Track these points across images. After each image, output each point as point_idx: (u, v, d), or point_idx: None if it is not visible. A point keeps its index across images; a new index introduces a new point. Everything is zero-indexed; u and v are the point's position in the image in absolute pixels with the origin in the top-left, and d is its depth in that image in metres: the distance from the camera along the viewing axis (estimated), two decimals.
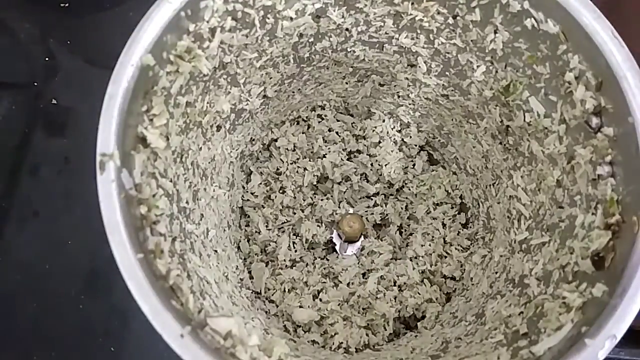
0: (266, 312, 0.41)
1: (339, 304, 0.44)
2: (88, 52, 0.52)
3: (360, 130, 0.51)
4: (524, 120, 0.37)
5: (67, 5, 0.53)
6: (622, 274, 0.26)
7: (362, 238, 0.48)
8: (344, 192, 0.50)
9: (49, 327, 0.43)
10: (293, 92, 0.45)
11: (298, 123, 0.50)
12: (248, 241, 0.47)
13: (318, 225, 0.47)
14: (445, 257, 0.47)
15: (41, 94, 0.50)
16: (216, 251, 0.40)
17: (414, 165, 0.51)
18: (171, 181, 0.31)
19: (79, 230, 0.44)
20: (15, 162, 0.48)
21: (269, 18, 0.36)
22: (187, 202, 0.34)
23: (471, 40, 0.38)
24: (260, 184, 0.48)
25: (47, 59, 0.52)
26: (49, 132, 0.49)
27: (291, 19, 0.37)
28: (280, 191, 0.49)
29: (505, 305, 0.36)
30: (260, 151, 0.49)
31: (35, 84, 0.51)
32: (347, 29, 0.40)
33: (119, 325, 0.43)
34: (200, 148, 0.37)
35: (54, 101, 0.50)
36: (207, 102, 0.36)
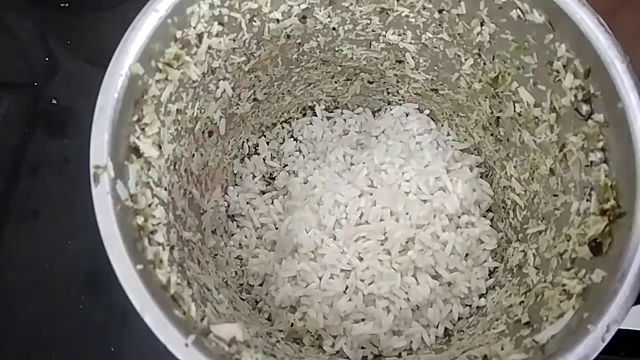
0: (267, 316, 0.41)
1: None
2: (88, 52, 0.51)
3: None
4: (514, 110, 0.37)
5: (67, 5, 0.53)
6: (620, 258, 0.26)
7: None
8: None
9: (49, 327, 0.43)
10: (283, 94, 0.45)
11: (290, 125, 0.50)
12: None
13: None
14: None
15: (41, 94, 0.50)
16: (214, 257, 0.40)
17: None
18: (166, 189, 0.31)
19: (79, 230, 0.44)
20: (15, 162, 0.48)
21: (255, 21, 0.36)
22: (182, 210, 0.34)
23: (458, 34, 0.38)
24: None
25: (47, 59, 0.52)
26: (49, 132, 0.49)
27: (277, 20, 0.37)
28: None
29: (505, 295, 0.36)
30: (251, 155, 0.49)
31: (35, 84, 0.51)
32: (334, 28, 0.40)
33: (119, 325, 0.43)
34: (193, 155, 0.36)
35: (54, 101, 0.50)
36: (198, 109, 0.36)
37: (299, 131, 0.49)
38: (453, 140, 0.47)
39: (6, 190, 0.47)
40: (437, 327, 0.39)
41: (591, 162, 0.30)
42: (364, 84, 0.47)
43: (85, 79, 0.47)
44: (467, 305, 0.40)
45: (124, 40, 0.28)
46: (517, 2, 0.33)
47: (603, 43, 0.30)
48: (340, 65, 0.44)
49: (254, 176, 0.47)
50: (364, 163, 0.44)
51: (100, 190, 0.25)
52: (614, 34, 0.29)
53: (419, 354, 0.38)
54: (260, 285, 0.42)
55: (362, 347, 0.39)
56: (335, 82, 0.46)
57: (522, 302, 0.33)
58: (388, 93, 0.48)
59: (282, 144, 0.49)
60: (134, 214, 0.27)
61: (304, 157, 0.47)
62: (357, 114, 0.49)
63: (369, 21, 0.40)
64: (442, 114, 0.47)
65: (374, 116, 0.49)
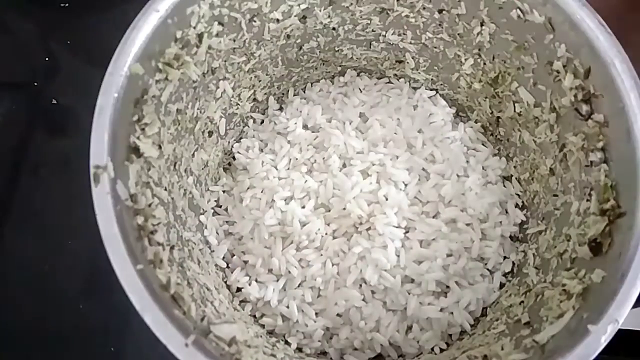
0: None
1: None
2: (88, 52, 0.52)
3: None
4: (514, 110, 0.37)
5: (67, 5, 0.53)
6: (620, 258, 0.26)
7: None
8: None
9: (49, 327, 0.43)
10: (283, 94, 0.45)
11: None
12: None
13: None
14: None
15: (41, 94, 0.50)
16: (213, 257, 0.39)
17: None
18: (166, 189, 0.31)
19: (79, 230, 0.43)
20: (15, 162, 0.48)
21: (255, 21, 0.36)
22: (182, 210, 0.34)
23: (458, 34, 0.38)
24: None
25: (47, 59, 0.52)
26: (49, 132, 0.49)
27: (278, 20, 0.37)
28: None
29: (506, 295, 0.36)
30: None
31: (35, 84, 0.51)
32: (334, 28, 0.40)
33: (119, 325, 0.43)
34: (193, 155, 0.36)
35: (54, 101, 0.50)
36: (198, 109, 0.36)
37: None
38: None
39: (6, 190, 0.47)
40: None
41: (591, 162, 0.30)
42: None
43: (85, 79, 0.47)
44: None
45: (124, 40, 0.28)
46: (517, 2, 0.33)
47: (603, 43, 0.30)
48: (340, 65, 0.44)
49: None
50: None
51: (100, 190, 0.25)
52: (622, 39, 0.29)
53: (420, 354, 0.38)
54: None
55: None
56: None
57: (522, 302, 0.33)
58: None
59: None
60: (134, 214, 0.27)
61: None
62: None
63: (369, 21, 0.40)
64: None
65: None
